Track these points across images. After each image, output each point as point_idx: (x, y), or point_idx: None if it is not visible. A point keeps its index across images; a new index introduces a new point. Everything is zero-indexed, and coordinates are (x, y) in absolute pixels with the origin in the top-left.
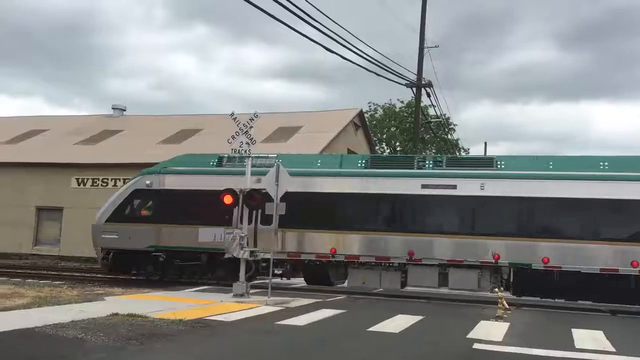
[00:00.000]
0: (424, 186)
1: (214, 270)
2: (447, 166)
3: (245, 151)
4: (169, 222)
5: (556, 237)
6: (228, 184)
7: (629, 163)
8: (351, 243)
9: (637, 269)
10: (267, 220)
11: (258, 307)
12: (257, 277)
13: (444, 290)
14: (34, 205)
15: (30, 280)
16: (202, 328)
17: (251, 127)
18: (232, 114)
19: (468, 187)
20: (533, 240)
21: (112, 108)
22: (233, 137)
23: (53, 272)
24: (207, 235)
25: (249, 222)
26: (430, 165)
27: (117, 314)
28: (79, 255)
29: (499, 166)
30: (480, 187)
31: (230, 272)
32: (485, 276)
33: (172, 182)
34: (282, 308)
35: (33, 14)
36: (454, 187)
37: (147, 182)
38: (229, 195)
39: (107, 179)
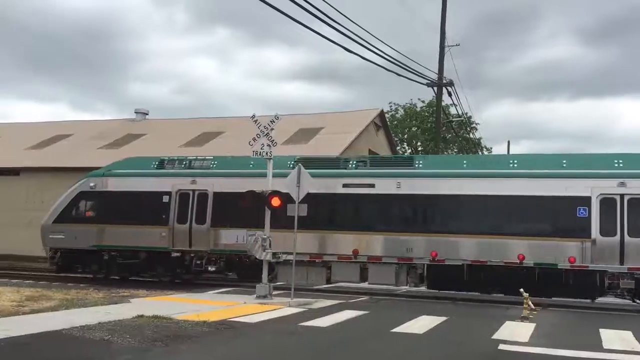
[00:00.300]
0: (345, 185)
1: (152, 268)
2: (370, 166)
3: (267, 153)
4: (111, 223)
5: (469, 232)
6: (166, 185)
7: (537, 161)
8: (283, 241)
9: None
10: (200, 219)
11: (281, 308)
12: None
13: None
14: None
15: (56, 283)
16: (226, 329)
17: (272, 129)
18: (253, 116)
19: (385, 186)
20: (448, 236)
21: (135, 112)
22: (254, 139)
23: (78, 275)
24: (230, 238)
25: (185, 222)
26: (353, 166)
27: (142, 316)
28: None
29: (417, 165)
30: (396, 186)
31: (167, 269)
32: (402, 271)
33: (114, 184)
34: (305, 309)
35: (58, 21)
36: (373, 185)
37: (92, 184)
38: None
39: None
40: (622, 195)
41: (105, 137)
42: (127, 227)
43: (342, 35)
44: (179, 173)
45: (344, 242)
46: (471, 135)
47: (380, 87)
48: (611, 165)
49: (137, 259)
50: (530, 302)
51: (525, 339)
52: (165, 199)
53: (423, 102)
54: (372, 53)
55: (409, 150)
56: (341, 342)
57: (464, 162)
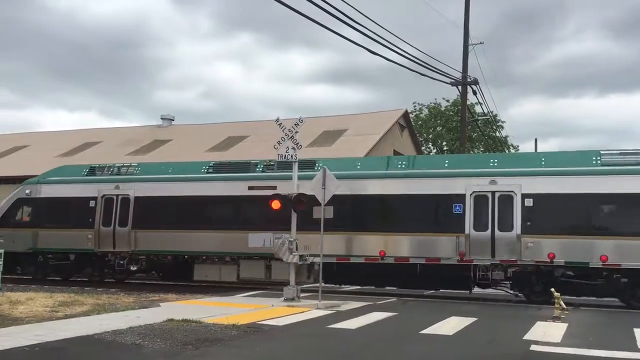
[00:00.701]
0: (250, 188)
1: (82, 268)
2: (278, 169)
3: (292, 156)
4: (45, 227)
5: (368, 230)
6: (93, 191)
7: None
8: (198, 241)
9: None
10: (123, 222)
11: (309, 310)
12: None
13: (497, 292)
14: None
15: (88, 288)
16: (255, 332)
17: (296, 132)
18: (278, 120)
19: (286, 188)
20: (347, 234)
21: (161, 118)
22: (279, 143)
23: (110, 280)
24: (257, 241)
25: (109, 225)
26: (260, 169)
27: (172, 320)
28: None
29: (317, 168)
30: (297, 188)
31: (95, 270)
32: (303, 269)
33: (47, 191)
34: (333, 311)
35: (86, 31)
36: (274, 187)
37: (27, 191)
38: (277, 201)
39: None
40: (493, 193)
41: (132, 143)
42: (59, 231)
43: (365, 37)
44: (105, 179)
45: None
46: (497, 134)
47: (404, 87)
48: (486, 164)
49: (68, 261)
50: (561, 302)
51: (558, 340)
52: (92, 203)
53: (447, 101)
54: (395, 54)
55: (434, 150)
56: (370, 344)
57: (358, 164)
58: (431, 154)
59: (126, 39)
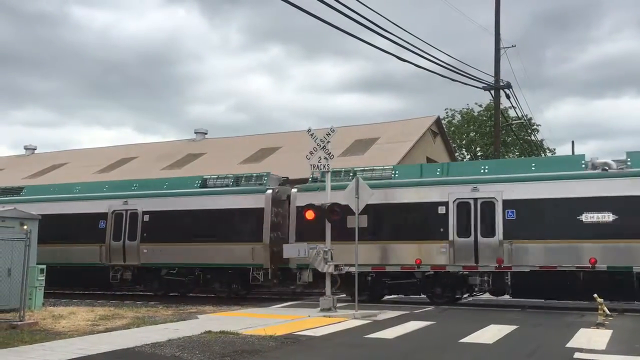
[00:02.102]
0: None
1: None
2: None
3: (324, 166)
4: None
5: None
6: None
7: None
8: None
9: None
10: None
11: (346, 320)
12: None
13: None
14: None
15: (127, 301)
16: (292, 343)
17: (328, 141)
18: (309, 130)
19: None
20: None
21: (195, 132)
22: (311, 153)
23: (149, 293)
24: (292, 251)
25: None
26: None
27: (210, 332)
28: None
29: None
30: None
31: None
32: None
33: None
34: (369, 321)
35: (120, 49)
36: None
37: None
38: (311, 211)
39: None
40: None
41: (167, 157)
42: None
43: (395, 45)
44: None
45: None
46: (533, 138)
47: (436, 94)
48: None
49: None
50: (605, 308)
51: (602, 347)
52: None
53: (480, 106)
54: (426, 60)
55: (468, 156)
56: (408, 354)
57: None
58: (465, 160)
59: (159, 55)
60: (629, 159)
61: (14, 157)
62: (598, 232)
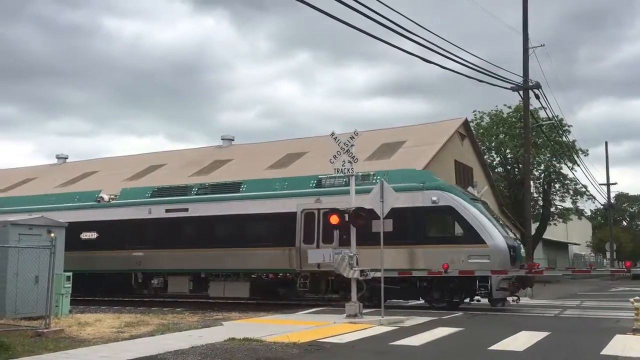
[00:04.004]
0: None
1: None
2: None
3: (348, 170)
4: None
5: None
6: None
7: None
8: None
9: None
10: None
11: (372, 327)
12: None
13: (572, 303)
14: None
15: (154, 308)
16: (316, 350)
17: (352, 145)
18: (333, 134)
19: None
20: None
21: (221, 139)
22: (335, 157)
23: (180, 299)
24: (317, 256)
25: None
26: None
27: (233, 339)
28: None
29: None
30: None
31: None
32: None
33: None
34: (396, 327)
35: (152, 59)
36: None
37: None
38: (335, 216)
39: None
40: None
41: (195, 164)
42: None
43: (422, 47)
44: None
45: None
46: (564, 139)
47: (464, 96)
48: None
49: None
50: None
51: (639, 354)
52: None
53: (509, 107)
54: (454, 62)
55: (498, 159)
56: None
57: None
58: (494, 162)
59: (190, 64)
60: None
61: (46, 166)
62: None
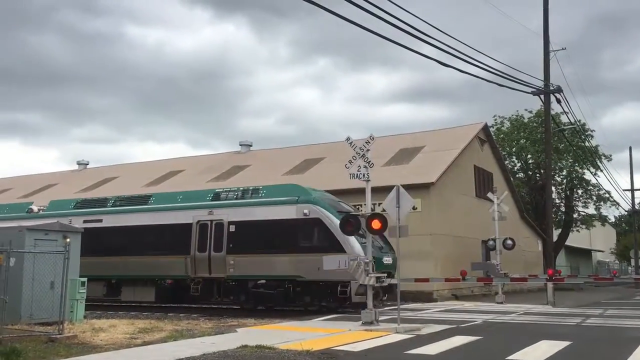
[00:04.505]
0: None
1: None
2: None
3: (364, 175)
4: None
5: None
6: None
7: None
8: None
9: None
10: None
11: (387, 335)
12: None
13: (595, 311)
14: None
15: (171, 314)
16: (328, 359)
17: (368, 150)
18: (348, 139)
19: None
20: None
21: (240, 144)
22: (350, 162)
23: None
24: (332, 263)
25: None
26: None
27: (246, 346)
28: None
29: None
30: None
31: None
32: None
33: None
34: (412, 335)
35: (173, 64)
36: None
37: None
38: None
39: None
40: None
41: (213, 170)
42: None
43: (442, 52)
44: None
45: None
46: (587, 144)
47: (485, 102)
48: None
49: None
50: None
51: None
52: None
53: (530, 112)
54: (474, 67)
55: (519, 164)
56: None
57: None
58: (515, 168)
59: (210, 70)
60: None
61: (68, 173)
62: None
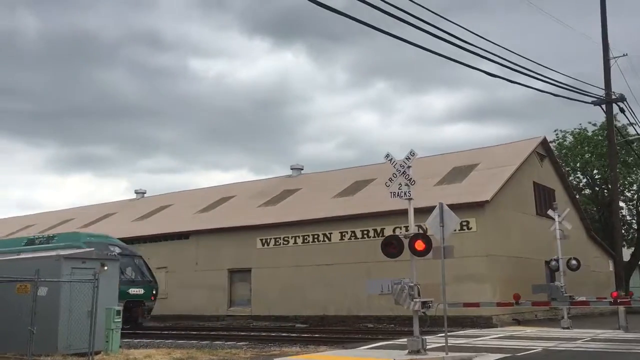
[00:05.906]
0: None
1: None
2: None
3: (405, 193)
4: None
5: None
6: None
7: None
8: None
9: None
10: None
11: None
12: None
13: None
14: (226, 267)
15: (217, 342)
16: None
17: (409, 166)
18: (388, 155)
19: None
20: None
21: (291, 168)
22: (390, 180)
23: (242, 333)
24: (375, 287)
25: None
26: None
27: None
28: (269, 314)
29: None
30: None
31: None
32: None
33: None
34: None
35: (235, 94)
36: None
37: None
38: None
39: (288, 237)
40: None
41: (264, 195)
42: None
43: (504, 69)
44: None
45: None
46: None
47: (547, 117)
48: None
49: None
50: None
51: None
52: None
53: (594, 125)
54: (535, 80)
55: (585, 180)
56: None
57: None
58: (581, 184)
59: (270, 98)
60: None
61: (126, 201)
62: None
